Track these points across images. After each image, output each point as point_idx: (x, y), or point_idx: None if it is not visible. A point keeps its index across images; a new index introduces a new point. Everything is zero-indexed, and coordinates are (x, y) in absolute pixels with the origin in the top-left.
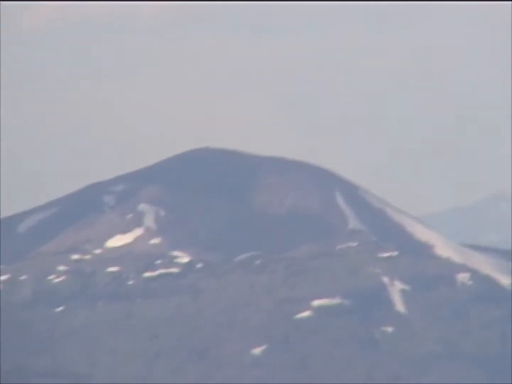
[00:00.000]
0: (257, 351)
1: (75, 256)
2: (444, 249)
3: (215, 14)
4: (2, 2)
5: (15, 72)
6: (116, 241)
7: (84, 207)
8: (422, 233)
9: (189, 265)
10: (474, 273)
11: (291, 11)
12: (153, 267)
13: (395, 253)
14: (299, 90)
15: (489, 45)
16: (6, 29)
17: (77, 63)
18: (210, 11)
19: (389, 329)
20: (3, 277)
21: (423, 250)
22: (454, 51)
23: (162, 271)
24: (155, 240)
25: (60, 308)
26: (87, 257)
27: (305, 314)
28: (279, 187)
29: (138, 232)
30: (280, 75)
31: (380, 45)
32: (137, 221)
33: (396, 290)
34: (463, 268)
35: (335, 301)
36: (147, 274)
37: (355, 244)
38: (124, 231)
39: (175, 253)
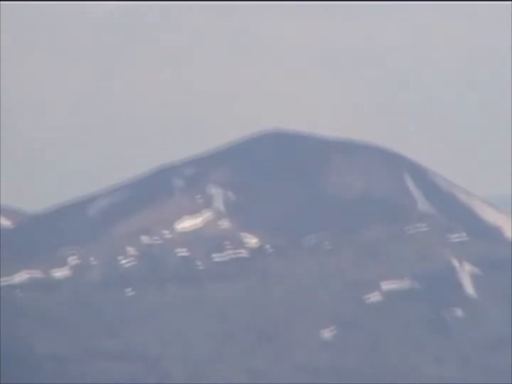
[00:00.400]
0: (326, 334)
1: (144, 239)
2: None
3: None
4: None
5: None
6: (185, 223)
7: (153, 190)
8: (492, 215)
9: (258, 248)
10: None
11: None
12: (222, 250)
13: (464, 236)
14: (369, 72)
15: None
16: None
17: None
18: None
19: (459, 312)
20: (73, 260)
21: (493, 233)
22: None
23: (231, 254)
24: (224, 223)
25: (130, 291)
26: (157, 240)
27: (375, 297)
28: (349, 170)
29: (207, 214)
30: (351, 56)
31: (450, 30)
32: (207, 204)
33: (466, 273)
34: None
35: (405, 284)
36: (216, 257)
37: (424, 227)
38: (194, 213)
39: (244, 235)
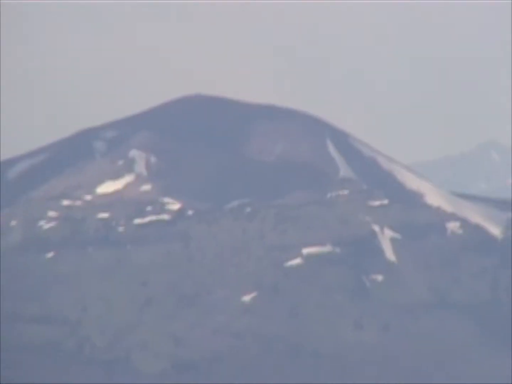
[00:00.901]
0: (247, 298)
1: (65, 202)
2: (434, 198)
3: None
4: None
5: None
6: (107, 187)
7: (74, 153)
8: (412, 181)
9: (179, 212)
10: (465, 222)
11: None
12: (143, 214)
13: (385, 202)
14: (292, 38)
15: None
16: None
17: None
18: None
19: (379, 277)
20: None
21: (413, 198)
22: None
23: (152, 217)
24: (145, 187)
25: (50, 254)
26: (77, 203)
27: (295, 261)
28: (270, 135)
29: (128, 178)
30: (274, 23)
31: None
32: (128, 168)
33: (386, 238)
34: (454, 217)
35: (325, 248)
36: (138, 221)
37: (345, 192)
38: (115, 177)
39: (166, 200)
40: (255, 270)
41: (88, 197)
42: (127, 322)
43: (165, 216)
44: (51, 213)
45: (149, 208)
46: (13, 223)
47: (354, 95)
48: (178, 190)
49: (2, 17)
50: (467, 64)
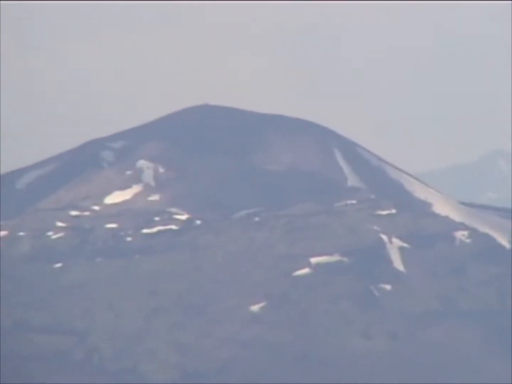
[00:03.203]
0: (255, 307)
1: (73, 213)
2: (442, 207)
3: None
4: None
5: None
6: (115, 197)
7: (82, 163)
8: (420, 191)
9: (188, 222)
10: (473, 231)
11: None
12: (151, 224)
13: (393, 211)
14: (300, 49)
15: None
16: None
17: (76, 17)
18: None
19: (387, 286)
20: (2, 233)
21: (421, 208)
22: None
23: (160, 228)
24: (153, 197)
25: (59, 264)
26: (86, 213)
27: (304, 271)
28: (278, 145)
29: (136, 188)
30: (283, 33)
31: (384, 15)
32: (136, 178)
33: (394, 247)
34: (462, 226)
35: (334, 258)
36: (146, 231)
37: (353, 201)
38: (123, 187)
39: (174, 210)
40: (263, 279)
41: (96, 207)
42: (135, 331)
43: (173, 226)
44: (60, 224)
45: (157, 218)
46: (22, 233)
47: (361, 104)
48: (186, 200)
49: (5, 20)
50: (475, 72)
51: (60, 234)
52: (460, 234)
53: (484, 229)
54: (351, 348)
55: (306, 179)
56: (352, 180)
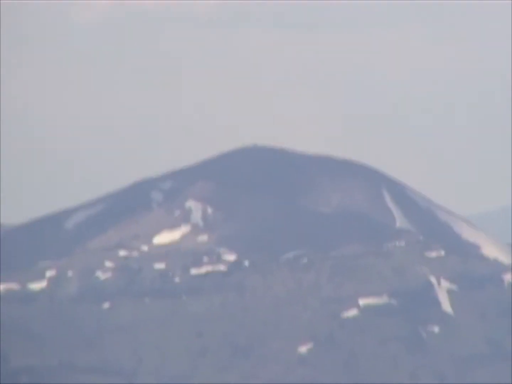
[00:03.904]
0: (303, 349)
1: (122, 253)
2: (491, 249)
3: (255, 10)
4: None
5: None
6: (163, 237)
7: (131, 203)
8: (469, 233)
9: (235, 263)
10: None
11: (335, 8)
12: (199, 264)
13: (442, 253)
14: (348, 88)
15: None
16: (55, 25)
17: (128, 56)
18: (250, 8)
19: (436, 328)
20: (50, 273)
21: (470, 250)
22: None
23: (208, 268)
24: (202, 237)
25: (107, 305)
26: (134, 253)
27: (352, 313)
28: (327, 186)
29: (185, 229)
30: (327, 73)
31: (426, 47)
32: (185, 218)
33: (443, 290)
34: (510, 268)
35: (382, 300)
36: (194, 271)
37: (402, 243)
38: (171, 227)
39: (222, 250)
40: (310, 321)
41: (145, 248)
42: (182, 372)
43: (221, 267)
44: (108, 263)
45: (205, 258)
46: (70, 273)
47: (411, 144)
48: (234, 241)
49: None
50: None
51: (108, 274)
52: (509, 277)
53: None
54: None
55: (354, 221)
56: (400, 222)
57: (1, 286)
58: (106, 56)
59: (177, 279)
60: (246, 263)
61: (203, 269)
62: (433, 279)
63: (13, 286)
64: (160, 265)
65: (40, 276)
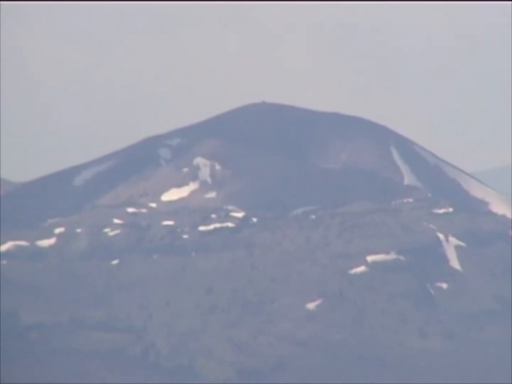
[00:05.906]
0: (311, 305)
1: (130, 210)
2: (499, 206)
3: None
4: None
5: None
6: (172, 194)
7: (140, 160)
8: (477, 189)
9: (244, 220)
10: None
11: None
12: (208, 221)
13: (450, 210)
14: (356, 46)
15: None
16: None
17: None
18: None
19: (444, 285)
20: (59, 230)
21: (478, 206)
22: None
23: (217, 225)
24: (210, 194)
25: (115, 261)
26: (143, 210)
27: (360, 269)
28: (335, 143)
29: (193, 186)
30: (341, 31)
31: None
32: (193, 175)
33: (451, 246)
34: None
35: (390, 256)
36: (202, 228)
37: (410, 200)
38: (180, 185)
39: (231, 207)
40: (319, 277)
41: (153, 205)
42: (191, 329)
43: (230, 224)
44: (117, 221)
45: (213, 215)
46: (79, 230)
47: (420, 102)
48: (242, 198)
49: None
50: None
51: (117, 231)
52: None
53: None
54: (407, 347)
55: (362, 178)
56: (409, 179)
57: (10, 243)
58: (113, 9)
59: (185, 236)
60: (255, 220)
61: (212, 226)
62: (441, 236)
63: (22, 243)
64: (168, 222)
65: (49, 233)
